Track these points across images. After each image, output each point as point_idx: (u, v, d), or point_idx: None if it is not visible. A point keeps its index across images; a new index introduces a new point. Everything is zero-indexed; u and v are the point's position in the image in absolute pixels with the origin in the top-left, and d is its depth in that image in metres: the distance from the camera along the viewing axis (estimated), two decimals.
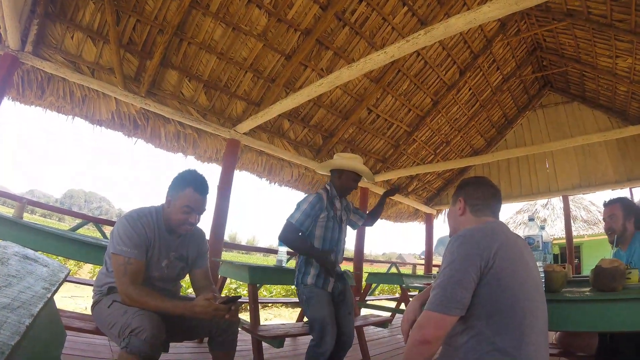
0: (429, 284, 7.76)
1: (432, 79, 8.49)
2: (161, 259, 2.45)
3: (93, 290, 2.47)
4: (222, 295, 2.65)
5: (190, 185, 2.41)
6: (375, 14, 6.65)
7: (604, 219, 3.42)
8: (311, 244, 3.34)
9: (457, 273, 1.61)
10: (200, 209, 2.47)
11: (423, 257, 12.31)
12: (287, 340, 4.77)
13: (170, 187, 2.48)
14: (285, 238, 3.30)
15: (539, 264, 2.32)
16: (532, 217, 2.74)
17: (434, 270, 11.29)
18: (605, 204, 3.39)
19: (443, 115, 9.52)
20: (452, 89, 8.92)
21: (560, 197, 11.03)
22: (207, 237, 2.91)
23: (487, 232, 1.72)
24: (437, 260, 13.96)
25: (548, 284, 2.33)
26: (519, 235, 1.88)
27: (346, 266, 5.25)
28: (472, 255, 1.62)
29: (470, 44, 8.21)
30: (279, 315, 10.91)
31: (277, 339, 3.63)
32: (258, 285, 5.72)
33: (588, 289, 2.57)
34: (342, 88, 7.40)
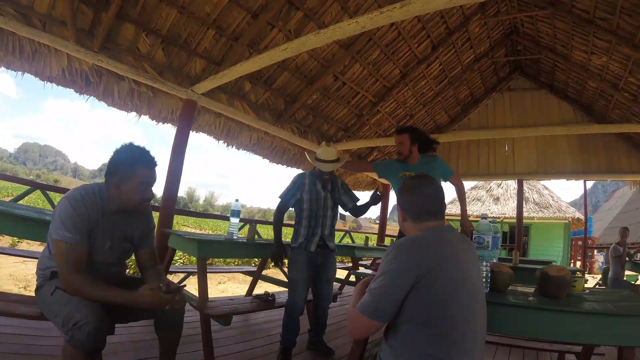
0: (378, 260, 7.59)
1: (403, 50, 8.25)
2: (105, 241, 2.36)
3: (36, 272, 2.39)
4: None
5: (139, 163, 2.34)
6: None
7: (395, 144, 4.30)
8: (279, 235, 4.09)
9: (387, 285, 1.71)
10: (154, 182, 2.43)
11: (378, 221, 12.57)
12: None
13: (113, 170, 2.34)
14: (275, 218, 4.12)
15: (485, 263, 2.41)
16: (484, 216, 2.69)
17: (387, 240, 11.37)
18: (397, 132, 4.31)
19: (410, 88, 9.37)
20: (422, 63, 8.73)
21: (516, 180, 11.30)
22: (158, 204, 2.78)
23: (424, 243, 1.78)
24: (391, 226, 14.18)
25: (493, 283, 2.46)
26: (463, 239, 1.95)
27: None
28: (405, 268, 1.69)
29: (447, 19, 7.98)
30: (233, 279, 10.86)
31: (224, 318, 3.69)
32: None
33: (533, 289, 2.66)
34: (309, 52, 7.02)
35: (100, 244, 2.32)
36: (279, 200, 4.05)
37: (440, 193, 2.00)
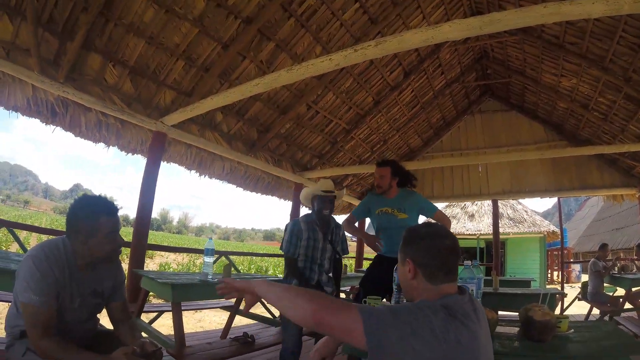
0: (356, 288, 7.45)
1: (376, 78, 8.30)
2: (74, 299, 2.24)
3: (5, 328, 2.26)
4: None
5: (102, 213, 2.22)
6: (325, 8, 6.26)
7: (375, 177, 4.30)
8: (295, 270, 3.88)
9: (411, 330, 1.31)
10: (119, 228, 2.34)
11: (354, 239, 12.47)
12: None
13: (75, 228, 2.21)
14: (288, 269, 3.91)
15: None
16: (467, 264, 2.61)
17: (365, 264, 11.29)
18: (378, 165, 4.30)
19: (383, 114, 9.43)
20: (395, 90, 8.81)
21: (490, 200, 11.44)
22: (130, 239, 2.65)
23: (457, 322, 1.37)
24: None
25: None
26: (481, 308, 1.60)
27: None
28: (433, 338, 1.30)
29: (419, 47, 7.96)
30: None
31: None
32: None
33: (517, 330, 2.56)
34: None
35: (69, 302, 2.21)
36: (285, 254, 3.92)
37: (458, 248, 1.65)
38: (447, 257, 1.59)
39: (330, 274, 4.12)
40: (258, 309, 7.73)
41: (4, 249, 18.23)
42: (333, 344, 1.92)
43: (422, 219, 4.41)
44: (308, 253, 3.87)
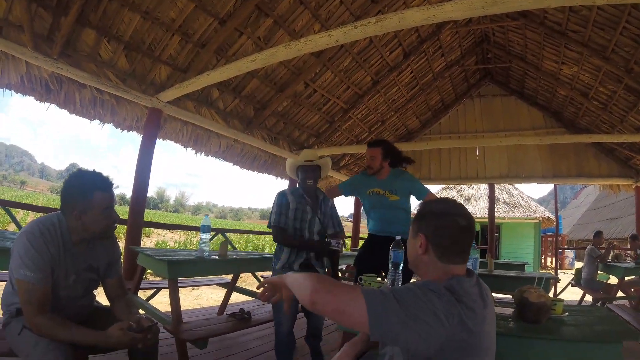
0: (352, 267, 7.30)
1: (375, 58, 8.21)
2: (69, 275, 2.22)
3: (1, 307, 2.28)
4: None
5: (95, 190, 2.20)
6: None
7: (367, 158, 4.19)
8: (301, 237, 3.64)
9: (412, 313, 1.28)
10: (114, 203, 2.32)
11: (350, 219, 12.53)
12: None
13: (70, 203, 2.19)
14: (279, 241, 3.64)
15: None
16: None
17: (360, 243, 11.31)
18: (368, 146, 4.19)
19: (382, 95, 9.36)
20: (394, 70, 8.73)
21: (487, 184, 11.47)
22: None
23: (465, 307, 1.34)
24: (364, 225, 14.16)
25: None
26: (480, 286, 1.52)
27: None
28: (437, 322, 1.28)
29: (419, 28, 7.96)
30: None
31: (199, 341, 3.55)
32: None
33: (511, 311, 2.55)
34: None
35: (64, 278, 2.19)
36: (273, 226, 3.65)
37: (473, 228, 1.59)
38: (461, 236, 1.55)
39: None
40: (254, 286, 7.74)
41: (1, 228, 18.27)
42: (352, 354, 1.86)
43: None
44: (296, 225, 3.66)
